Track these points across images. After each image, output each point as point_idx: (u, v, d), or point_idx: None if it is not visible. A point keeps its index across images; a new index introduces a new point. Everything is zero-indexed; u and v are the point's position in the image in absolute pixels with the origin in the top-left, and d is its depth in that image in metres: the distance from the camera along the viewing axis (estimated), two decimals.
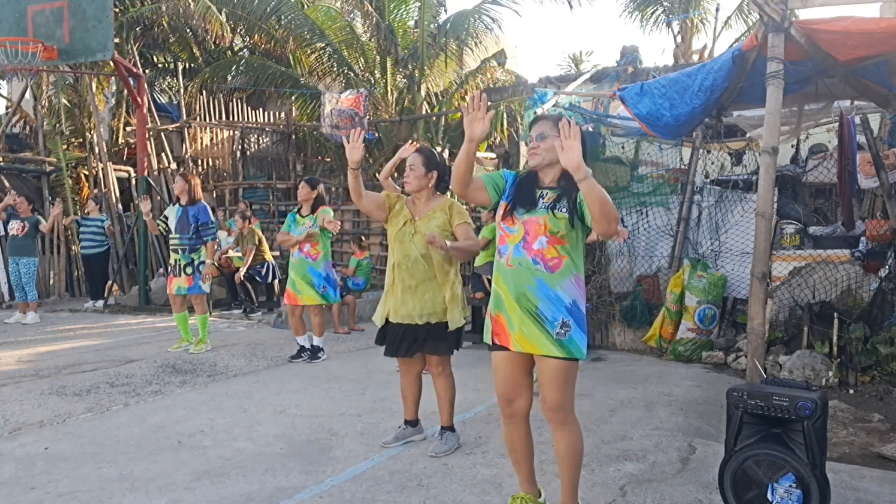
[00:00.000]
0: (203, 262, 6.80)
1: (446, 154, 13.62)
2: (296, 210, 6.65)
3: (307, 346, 6.63)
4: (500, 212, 2.90)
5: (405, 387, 4.08)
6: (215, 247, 7.05)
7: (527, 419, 2.94)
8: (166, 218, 6.88)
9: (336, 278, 6.89)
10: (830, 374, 5.65)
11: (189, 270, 6.73)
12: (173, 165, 13.15)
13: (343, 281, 9.29)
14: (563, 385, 2.76)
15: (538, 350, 2.75)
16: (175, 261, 6.79)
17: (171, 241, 6.86)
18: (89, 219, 11.12)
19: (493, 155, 14.32)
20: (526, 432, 2.97)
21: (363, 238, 9.88)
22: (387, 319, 3.93)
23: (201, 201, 6.87)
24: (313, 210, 6.47)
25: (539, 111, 7.76)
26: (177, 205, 6.85)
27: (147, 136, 11.50)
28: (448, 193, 4.05)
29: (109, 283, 11.15)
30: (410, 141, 5.03)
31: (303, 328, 6.63)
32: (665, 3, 15.98)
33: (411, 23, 14.37)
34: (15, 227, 9.26)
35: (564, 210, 2.75)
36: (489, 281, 7.04)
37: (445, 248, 3.66)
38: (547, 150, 2.80)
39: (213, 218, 6.93)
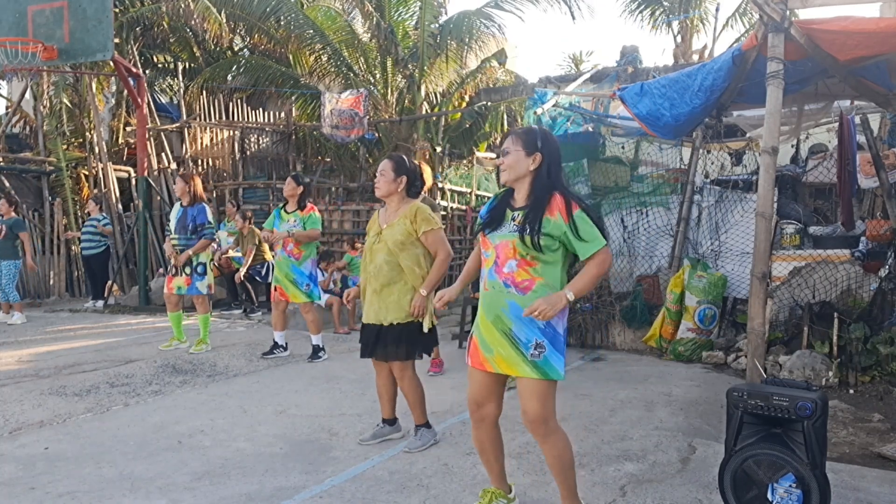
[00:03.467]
0: (202, 263, 6.81)
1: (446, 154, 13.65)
2: (281, 206, 6.67)
3: (281, 342, 6.72)
4: (479, 238, 2.96)
5: (380, 386, 4.14)
6: (210, 245, 7.04)
7: (495, 424, 2.99)
8: (170, 221, 6.93)
9: (318, 276, 6.88)
10: (830, 374, 5.65)
11: (188, 271, 6.74)
12: (173, 165, 13.14)
13: (343, 280, 9.29)
14: (541, 400, 2.77)
15: (515, 371, 2.78)
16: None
17: (171, 242, 6.86)
18: (89, 219, 11.11)
19: (493, 155, 14.34)
20: (494, 436, 3.01)
21: (356, 239, 10.04)
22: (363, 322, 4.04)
23: (202, 203, 6.87)
24: (299, 206, 6.51)
25: (539, 111, 7.76)
26: (178, 205, 6.88)
27: (147, 136, 11.49)
28: (420, 197, 4.12)
29: (109, 283, 11.14)
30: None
31: (282, 324, 6.72)
32: (665, 3, 15.98)
33: (412, 23, 14.36)
34: None
35: (529, 232, 2.73)
36: None
37: (422, 305, 3.81)
38: (510, 166, 2.81)
39: (210, 219, 6.95)
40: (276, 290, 6.62)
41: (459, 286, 3.23)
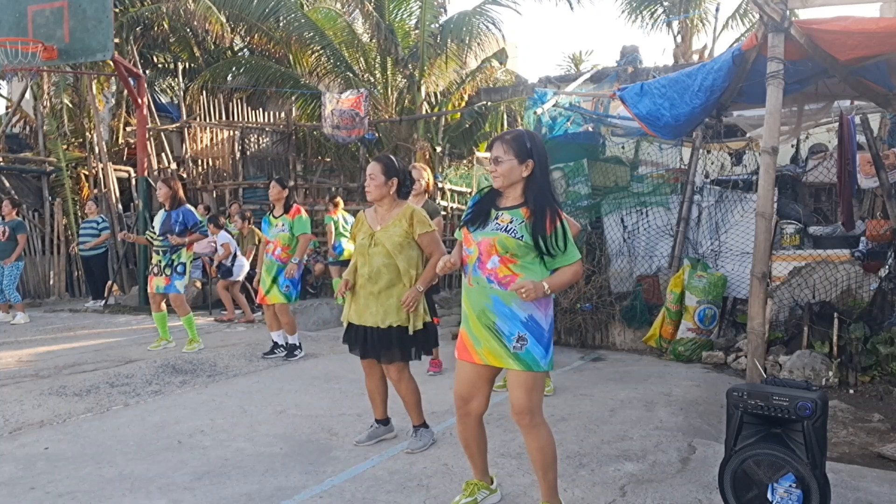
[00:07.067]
0: (182, 263, 6.91)
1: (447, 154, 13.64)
2: (269, 211, 6.74)
3: (280, 342, 6.79)
4: (462, 234, 3.03)
5: (371, 388, 4.14)
6: (200, 238, 7.23)
7: (479, 420, 3.08)
8: (154, 227, 7.06)
9: (298, 279, 6.92)
10: (830, 374, 5.65)
11: (168, 271, 6.84)
12: (173, 165, 13.16)
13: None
14: (527, 390, 2.86)
15: (501, 363, 2.89)
16: (157, 262, 6.90)
17: (154, 243, 6.99)
18: (87, 221, 11.11)
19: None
20: (478, 430, 3.10)
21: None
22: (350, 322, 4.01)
23: (185, 206, 6.99)
24: (286, 209, 6.58)
25: (539, 111, 7.76)
26: (162, 210, 7.02)
27: (147, 136, 11.50)
28: (423, 202, 4.11)
29: (109, 283, 11.14)
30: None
31: (276, 324, 6.78)
32: (665, 3, 15.98)
33: (412, 23, 14.36)
34: None
35: (515, 234, 2.84)
36: None
37: (416, 300, 3.82)
38: (503, 175, 2.90)
39: (199, 217, 7.14)
40: (258, 294, 6.71)
41: (458, 257, 3.11)
